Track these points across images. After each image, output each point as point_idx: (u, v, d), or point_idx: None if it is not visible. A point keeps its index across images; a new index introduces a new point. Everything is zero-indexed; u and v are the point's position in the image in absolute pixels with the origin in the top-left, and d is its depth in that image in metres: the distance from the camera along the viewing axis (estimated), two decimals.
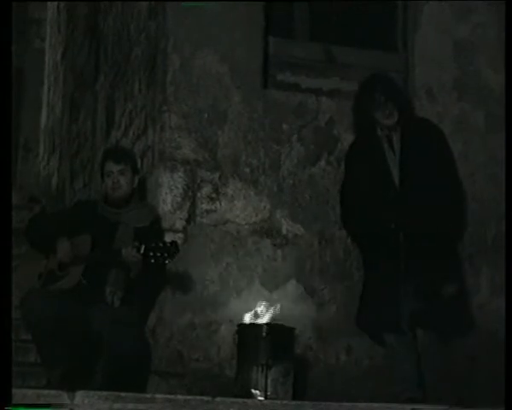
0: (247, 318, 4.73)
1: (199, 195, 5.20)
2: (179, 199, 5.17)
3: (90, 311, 4.70)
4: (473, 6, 5.74)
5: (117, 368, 4.62)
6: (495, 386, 4.58)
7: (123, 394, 3.79)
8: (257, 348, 4.54)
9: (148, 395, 4.05)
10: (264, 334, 4.55)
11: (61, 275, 4.89)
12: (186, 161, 5.20)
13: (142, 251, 4.58)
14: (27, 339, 5.09)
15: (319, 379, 5.17)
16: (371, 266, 4.99)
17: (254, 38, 5.38)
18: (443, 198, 4.90)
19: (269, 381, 4.47)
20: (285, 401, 4.35)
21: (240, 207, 5.25)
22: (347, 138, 5.32)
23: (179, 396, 4.05)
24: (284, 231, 5.30)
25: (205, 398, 3.93)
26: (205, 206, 5.20)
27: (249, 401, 4.21)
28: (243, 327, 4.69)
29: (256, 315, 4.72)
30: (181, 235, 5.11)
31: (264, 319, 4.68)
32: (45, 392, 3.74)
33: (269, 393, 4.46)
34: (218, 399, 3.90)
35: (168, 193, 5.16)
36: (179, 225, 5.15)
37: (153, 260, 4.57)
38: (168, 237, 4.91)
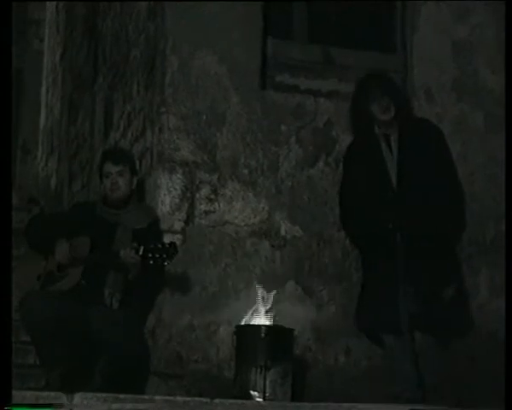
0: (246, 319, 4.72)
1: (197, 196, 5.20)
2: (178, 200, 5.17)
3: (89, 312, 4.70)
4: (471, 6, 5.73)
5: (116, 369, 4.63)
6: (495, 386, 4.57)
7: (121, 395, 3.79)
8: (255, 349, 4.54)
9: (147, 397, 4.06)
10: (262, 335, 4.55)
11: (60, 276, 4.90)
12: (185, 162, 5.20)
13: (140, 252, 4.57)
14: (27, 341, 5.08)
15: (318, 380, 5.16)
16: (370, 266, 4.99)
17: (253, 38, 5.37)
18: (442, 199, 4.90)
19: (267, 382, 4.46)
20: (284, 403, 4.36)
21: (238, 208, 5.25)
22: (345, 140, 5.32)
23: (178, 397, 4.07)
24: (283, 233, 5.30)
25: (204, 399, 3.94)
26: (203, 207, 5.20)
27: (248, 402, 4.22)
28: (242, 328, 4.68)
29: (255, 316, 4.71)
30: (179, 236, 5.11)
31: (262, 321, 4.66)
32: (44, 394, 3.75)
33: (267, 394, 4.44)
34: (217, 400, 3.90)
35: (167, 194, 5.16)
36: (178, 226, 5.15)
37: (151, 262, 4.56)
38: (167, 239, 4.91)
